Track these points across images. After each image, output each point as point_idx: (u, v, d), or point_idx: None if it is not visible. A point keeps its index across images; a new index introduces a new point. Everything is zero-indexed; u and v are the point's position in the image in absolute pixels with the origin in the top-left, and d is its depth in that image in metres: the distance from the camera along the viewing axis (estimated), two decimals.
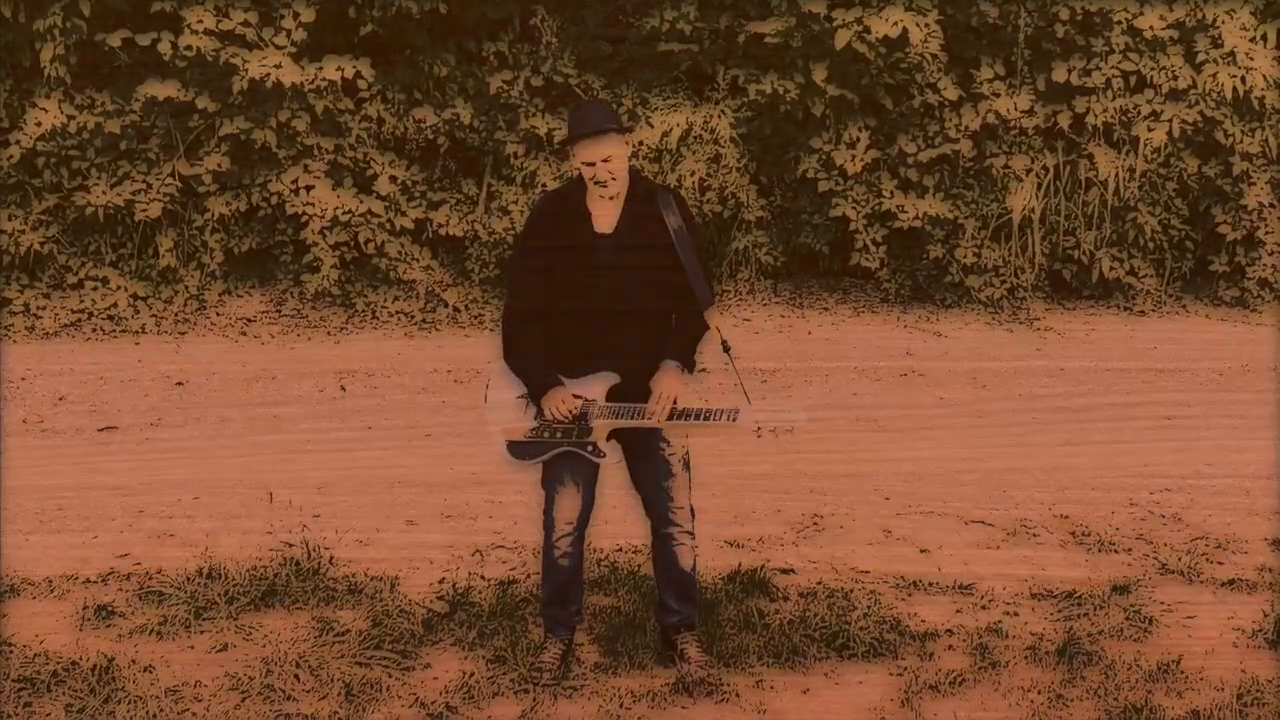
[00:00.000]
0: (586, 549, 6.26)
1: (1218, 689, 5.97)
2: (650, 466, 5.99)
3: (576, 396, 5.82)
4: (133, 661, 6.15)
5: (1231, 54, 13.34)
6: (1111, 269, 13.57)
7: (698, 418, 5.76)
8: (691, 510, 6.11)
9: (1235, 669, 6.17)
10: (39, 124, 12.65)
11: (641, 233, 5.83)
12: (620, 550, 7.47)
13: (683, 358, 5.87)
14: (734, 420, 5.74)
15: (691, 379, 5.93)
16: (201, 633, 6.51)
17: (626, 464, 6.02)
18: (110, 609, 6.74)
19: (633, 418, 5.80)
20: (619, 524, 7.35)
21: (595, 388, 5.85)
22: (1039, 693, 5.94)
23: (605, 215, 5.86)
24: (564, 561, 6.02)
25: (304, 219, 12.86)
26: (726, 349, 5.87)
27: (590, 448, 5.85)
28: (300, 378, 11.37)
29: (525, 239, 6.05)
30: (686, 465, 6.05)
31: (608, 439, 5.87)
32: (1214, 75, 13.31)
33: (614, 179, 5.78)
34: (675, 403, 5.78)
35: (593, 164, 5.76)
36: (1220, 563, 7.51)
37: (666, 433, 5.93)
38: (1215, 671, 6.15)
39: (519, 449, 5.92)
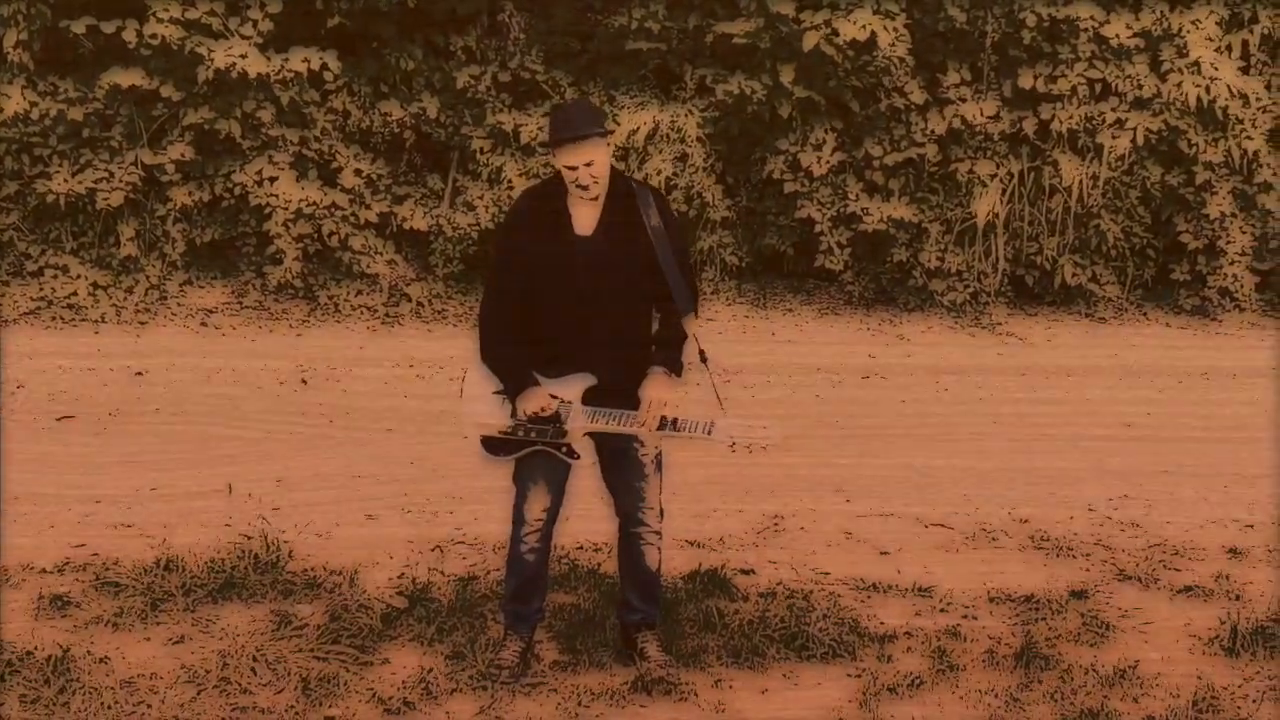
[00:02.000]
0: (553, 546, 6.24)
1: (1174, 695, 6.00)
2: (623, 466, 5.98)
3: (553, 397, 5.81)
4: (88, 652, 6.11)
5: (1196, 64, 13.42)
6: (1074, 275, 13.64)
7: (674, 428, 5.76)
8: (661, 510, 6.10)
9: (1191, 675, 6.20)
10: (1, 110, 12.55)
11: (621, 235, 5.81)
12: (581, 548, 7.46)
13: (669, 363, 5.85)
14: (709, 434, 5.74)
15: (680, 382, 5.90)
16: (158, 624, 6.47)
17: (599, 462, 6.00)
18: (66, 599, 6.70)
19: (609, 422, 5.79)
20: (580, 521, 7.33)
21: (572, 389, 5.83)
22: (996, 696, 5.96)
23: (585, 216, 5.84)
24: (530, 557, 6.01)
25: (267, 210, 12.80)
26: (704, 359, 5.87)
27: (564, 449, 5.84)
28: (261, 370, 11.32)
29: (505, 238, 6.04)
30: (659, 466, 6.04)
31: (583, 437, 5.85)
32: (1179, 84, 13.39)
33: (595, 182, 5.75)
34: (667, 410, 5.77)
35: (575, 168, 5.72)
36: (1177, 569, 7.56)
37: (641, 433, 5.93)
38: (1171, 677, 6.19)
39: (493, 445, 5.91)
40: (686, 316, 5.84)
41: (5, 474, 8.71)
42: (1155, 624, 6.82)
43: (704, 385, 6.01)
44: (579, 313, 5.78)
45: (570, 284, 5.78)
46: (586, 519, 7.23)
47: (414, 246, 13.39)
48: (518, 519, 6.01)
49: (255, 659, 6.04)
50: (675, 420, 5.76)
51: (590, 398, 5.83)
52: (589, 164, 5.72)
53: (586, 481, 6.16)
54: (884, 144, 13.52)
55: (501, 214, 12.96)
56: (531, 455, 5.90)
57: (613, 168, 5.88)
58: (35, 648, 6.08)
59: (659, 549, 6.14)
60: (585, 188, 5.75)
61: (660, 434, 5.80)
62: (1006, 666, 6.25)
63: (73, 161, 12.82)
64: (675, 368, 5.87)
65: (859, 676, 6.12)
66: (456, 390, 6.08)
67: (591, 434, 5.88)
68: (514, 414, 5.86)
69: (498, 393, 5.89)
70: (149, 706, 5.66)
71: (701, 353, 5.88)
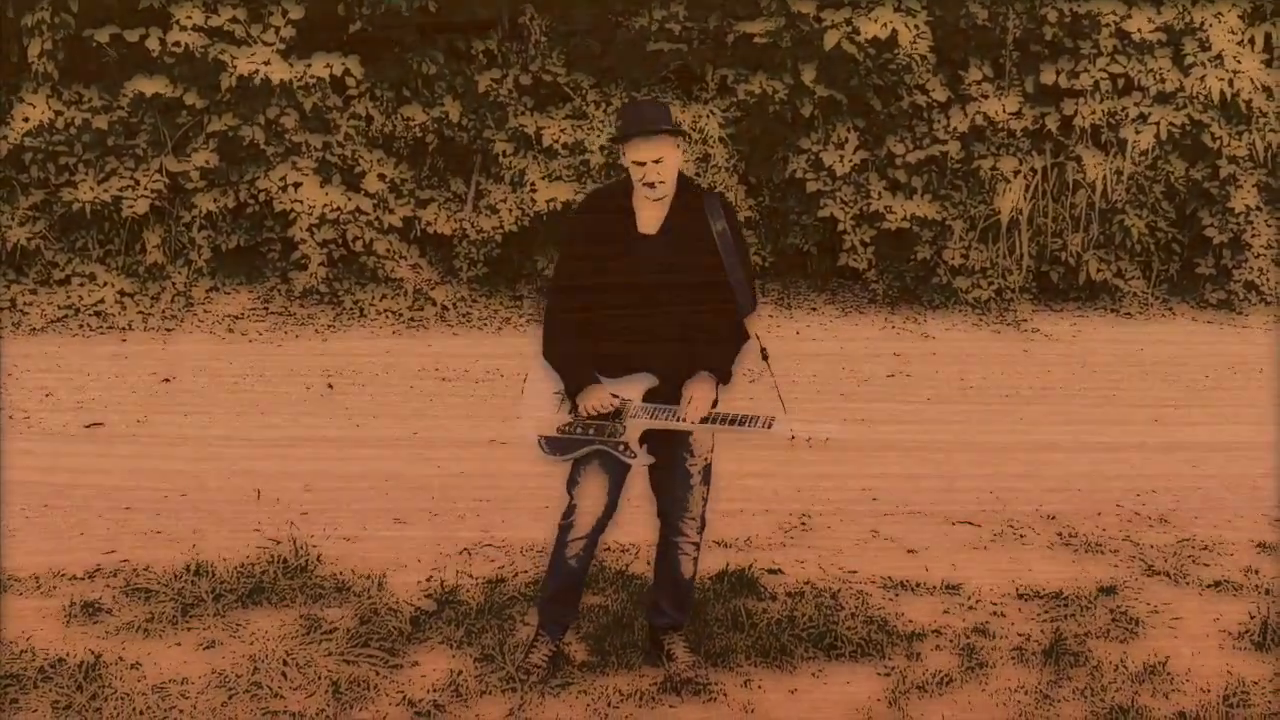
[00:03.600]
0: (596, 551, 6.24)
1: (1204, 690, 5.98)
2: (671, 475, 5.98)
3: (613, 396, 5.81)
4: (120, 658, 6.14)
5: (1219, 57, 13.37)
6: (1099, 271, 13.60)
7: (733, 423, 5.73)
8: (703, 521, 6.10)
9: (1221, 670, 6.18)
10: (26, 119, 12.62)
11: (685, 236, 5.79)
12: (609, 549, 7.47)
13: (718, 367, 5.84)
14: (769, 428, 5.71)
15: (725, 389, 5.88)
16: (189, 630, 6.49)
17: (647, 468, 6.00)
18: (97, 605, 6.73)
19: (667, 419, 5.77)
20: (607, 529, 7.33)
21: (632, 389, 5.82)
22: (1025, 693, 5.95)
23: (650, 216, 5.83)
24: (574, 563, 5.98)
25: (292, 216, 12.84)
26: (765, 356, 5.87)
27: (622, 447, 5.83)
28: (287, 375, 11.36)
29: (569, 236, 6.04)
30: (706, 478, 6.04)
31: (639, 441, 5.85)
32: (1201, 78, 13.34)
33: (663, 181, 5.73)
34: (709, 409, 5.75)
35: (643, 164, 5.71)
36: (1206, 564, 7.53)
37: (693, 442, 5.91)
38: (1201, 673, 6.17)
39: (551, 444, 5.91)
40: (747, 319, 5.82)
41: (35, 483, 8.76)
42: (1184, 619, 6.80)
43: (766, 382, 5.99)
44: (640, 312, 5.77)
45: (632, 283, 5.77)
46: (614, 521, 7.23)
47: (438, 250, 13.41)
48: (566, 525, 5.97)
49: (286, 663, 6.06)
50: (732, 416, 5.71)
51: (650, 398, 5.82)
52: (658, 160, 5.70)
53: (630, 490, 6.14)
54: (906, 142, 13.50)
55: (525, 217, 12.99)
56: (588, 457, 5.88)
57: (681, 173, 5.85)
58: (67, 654, 6.11)
59: (695, 560, 6.14)
60: (652, 186, 5.72)
61: (720, 429, 5.77)
62: (1036, 664, 6.24)
63: (98, 170, 12.88)
64: (722, 371, 5.85)
65: (888, 675, 6.12)
66: (518, 390, 6.07)
67: (646, 440, 5.87)
68: (572, 412, 5.86)
69: (558, 392, 5.90)
70: (180, 711, 5.69)
71: (763, 350, 5.87)
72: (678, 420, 5.75)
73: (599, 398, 5.78)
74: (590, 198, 6.12)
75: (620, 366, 5.83)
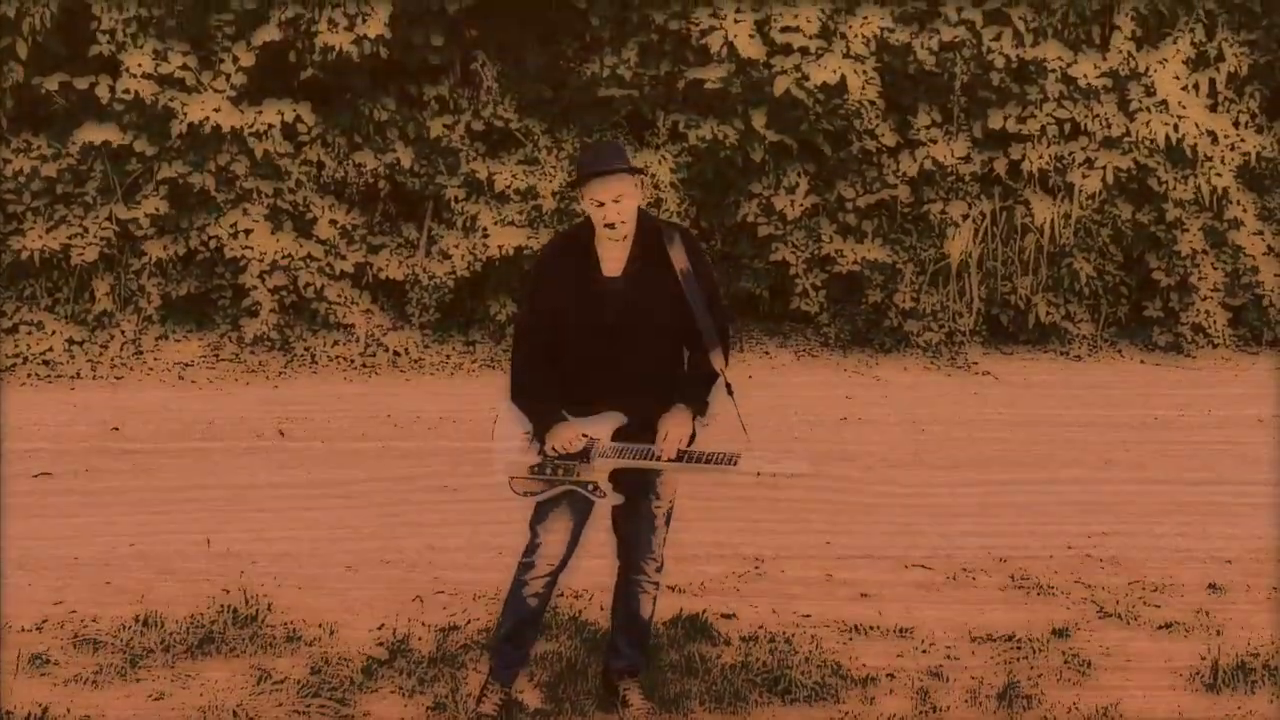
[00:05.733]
0: (554, 593, 6.23)
1: None
2: (635, 515, 6.01)
3: (583, 435, 5.81)
4: (68, 710, 6.08)
5: (1164, 102, 13.54)
6: (1048, 314, 13.70)
7: (698, 460, 5.74)
8: (661, 563, 6.12)
9: (1173, 711, 6.22)
10: None
11: (649, 276, 5.81)
12: (562, 595, 7.44)
13: (694, 401, 5.85)
14: (734, 464, 5.72)
15: (701, 421, 5.90)
16: (138, 681, 6.44)
17: (611, 508, 6.00)
18: (45, 657, 6.66)
19: (635, 458, 5.77)
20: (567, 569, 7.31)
21: (602, 427, 5.82)
22: None
23: (613, 258, 5.84)
24: (533, 602, 5.97)
25: (243, 263, 12.80)
26: (730, 391, 5.87)
27: (591, 486, 5.82)
28: (238, 423, 11.29)
29: (534, 280, 6.04)
30: (668, 519, 6.08)
31: (608, 480, 5.85)
32: (1147, 123, 13.50)
33: (623, 221, 5.75)
34: (683, 444, 5.77)
35: (603, 204, 5.72)
36: (1158, 606, 7.57)
37: (659, 484, 5.94)
38: (1154, 714, 6.20)
39: (521, 485, 5.90)
40: (714, 355, 5.84)
41: None
42: (1136, 661, 6.83)
43: (728, 419, 5.98)
44: (608, 353, 5.79)
45: (599, 325, 5.79)
46: (571, 566, 7.21)
47: (390, 296, 13.40)
48: (526, 565, 5.97)
49: (236, 714, 6.01)
50: (697, 454, 5.73)
51: (620, 437, 5.83)
52: (617, 200, 5.72)
53: (589, 532, 6.12)
54: (856, 186, 13.59)
55: (477, 262, 12.99)
56: (555, 499, 5.88)
57: (640, 209, 5.88)
58: (15, 707, 6.04)
59: (654, 599, 6.16)
60: (613, 226, 5.74)
61: (687, 467, 5.77)
62: (989, 707, 6.25)
63: (47, 218, 12.82)
64: (697, 405, 5.86)
65: (842, 719, 6.11)
66: (488, 433, 6.06)
67: (611, 478, 5.86)
68: (540, 452, 5.86)
69: (528, 433, 5.89)
70: None
71: (728, 386, 5.88)
72: (649, 457, 5.76)
73: (568, 436, 5.78)
74: (553, 242, 6.16)
75: (589, 407, 5.84)
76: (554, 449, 5.80)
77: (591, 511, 5.94)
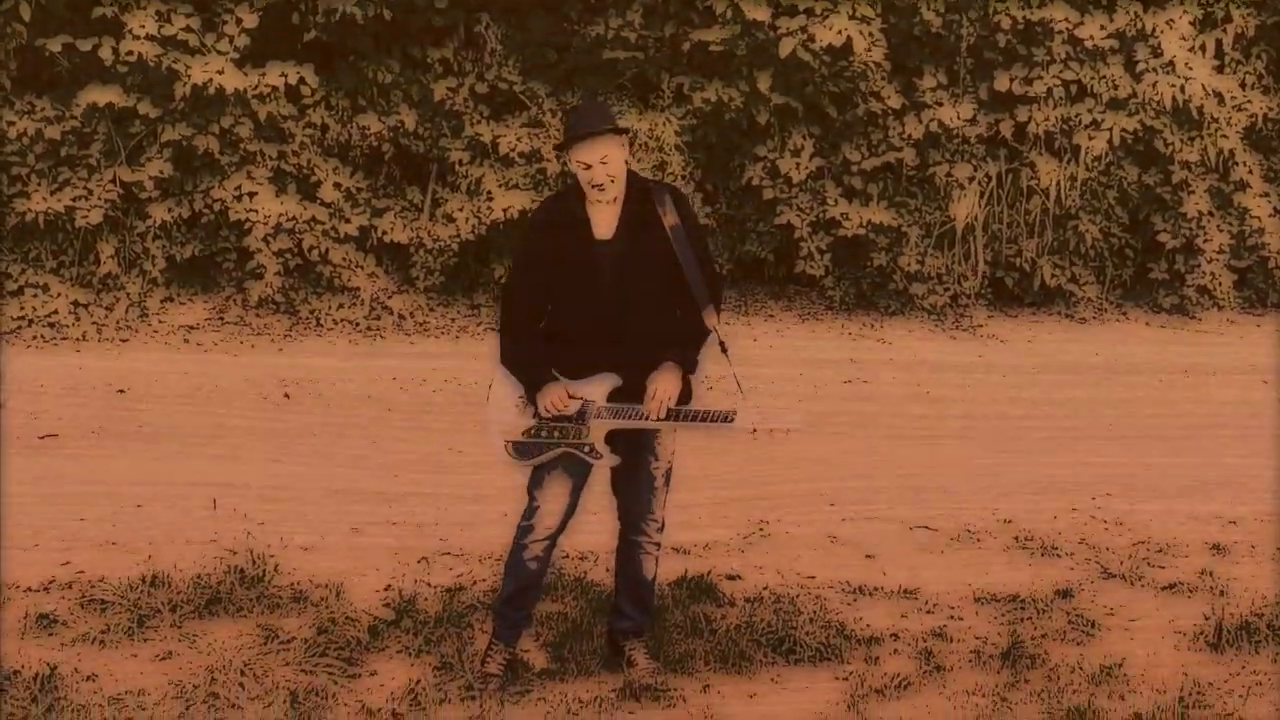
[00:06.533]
0: (555, 555, 6.24)
1: (1159, 691, 6.03)
2: (635, 476, 6.01)
3: (575, 397, 5.81)
4: (75, 670, 6.10)
5: (1170, 63, 13.49)
6: (1053, 277, 13.69)
7: (694, 418, 5.75)
8: (662, 524, 6.13)
9: (1177, 671, 6.23)
10: None
11: (640, 237, 5.81)
12: (567, 556, 7.46)
13: (682, 358, 5.85)
14: (731, 421, 5.73)
15: (697, 379, 5.90)
16: (145, 641, 6.46)
17: (610, 470, 6.00)
18: (52, 617, 6.68)
19: (630, 418, 5.78)
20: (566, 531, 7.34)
21: (597, 389, 5.83)
22: (983, 696, 5.98)
23: (604, 220, 5.84)
24: (533, 565, 5.99)
25: (247, 226, 12.79)
26: (724, 349, 5.88)
27: (587, 449, 5.83)
28: (243, 385, 11.31)
29: (524, 244, 6.05)
30: (668, 480, 6.08)
31: (605, 441, 5.85)
32: (1154, 84, 13.45)
33: (612, 181, 5.74)
34: (672, 402, 5.77)
35: (590, 165, 5.72)
36: (1161, 566, 7.59)
37: (657, 444, 5.95)
38: (1157, 674, 6.21)
39: (517, 449, 5.91)
40: (707, 312, 5.84)
41: None
42: (1140, 621, 6.85)
43: (725, 376, 5.98)
44: (603, 315, 5.79)
45: (593, 288, 5.79)
46: (572, 529, 7.22)
47: (394, 259, 13.38)
48: (526, 527, 5.98)
49: (243, 673, 6.03)
50: (693, 411, 5.74)
51: (616, 398, 5.83)
52: (604, 160, 5.71)
53: (589, 492, 6.13)
54: (862, 149, 13.56)
55: (481, 225, 12.97)
56: (552, 462, 5.89)
57: (630, 170, 5.88)
58: (22, 666, 6.06)
59: (656, 559, 6.18)
60: (601, 187, 5.74)
61: (683, 425, 5.79)
62: (993, 667, 6.27)
63: (51, 180, 12.80)
64: (687, 363, 5.86)
65: (846, 679, 6.14)
66: (483, 398, 6.05)
67: (608, 439, 5.87)
68: (535, 415, 5.86)
69: (522, 397, 5.90)
70: None
71: (722, 344, 5.87)
72: (642, 417, 5.76)
73: (557, 395, 5.79)
74: (543, 206, 6.13)
75: (584, 369, 5.85)
76: (547, 409, 5.80)
77: (590, 474, 5.95)
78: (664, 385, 5.77)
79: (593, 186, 5.76)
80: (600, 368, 5.84)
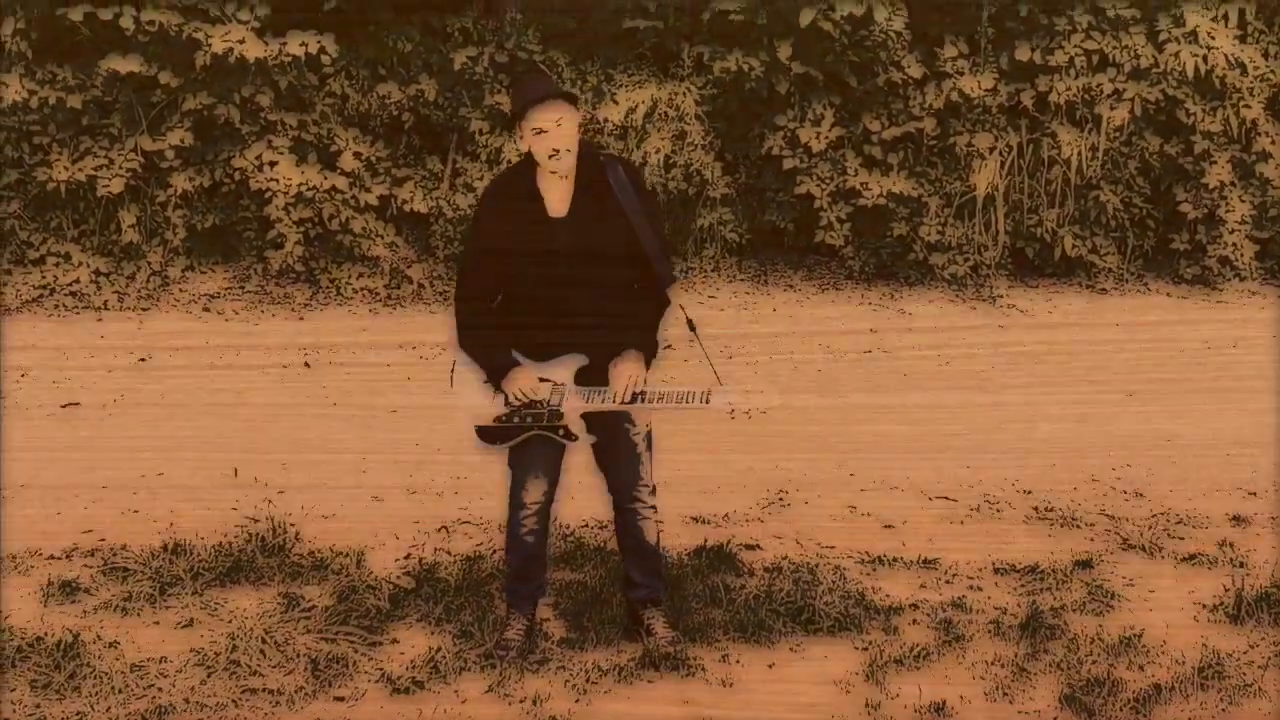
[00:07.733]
0: (552, 524, 6.25)
1: (1178, 662, 6.02)
2: (616, 449, 5.97)
3: (544, 380, 5.80)
4: (98, 637, 6.13)
5: (1193, 33, 13.41)
6: (1074, 247, 13.64)
7: (670, 400, 5.75)
8: (653, 485, 6.11)
9: (1196, 642, 6.22)
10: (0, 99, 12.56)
11: (595, 212, 5.74)
12: (586, 525, 7.48)
13: (642, 344, 5.80)
14: (707, 402, 5.72)
15: (656, 360, 5.87)
16: (167, 608, 6.49)
17: (591, 446, 5.99)
18: (75, 585, 6.72)
19: (603, 400, 5.76)
20: (585, 499, 7.32)
21: (563, 370, 5.80)
22: (1002, 666, 5.99)
23: (558, 197, 5.77)
24: (530, 539, 6.01)
25: (268, 195, 12.80)
26: (692, 328, 5.85)
27: (561, 431, 5.83)
28: (264, 354, 11.34)
29: (476, 224, 5.95)
30: (650, 443, 6.04)
31: (579, 420, 5.84)
32: (1176, 54, 13.38)
33: (569, 149, 5.66)
34: (640, 385, 5.74)
35: (544, 130, 5.63)
36: (1181, 538, 7.57)
37: (632, 413, 5.92)
38: (1176, 645, 6.21)
39: (489, 434, 5.89)
40: (667, 286, 5.80)
41: (11, 462, 8.74)
42: (1160, 592, 6.84)
43: (698, 355, 5.99)
44: (561, 294, 5.73)
45: (550, 267, 5.72)
46: (590, 497, 7.23)
47: (415, 229, 13.39)
48: (515, 503, 5.99)
49: (264, 641, 6.06)
50: (669, 393, 5.72)
51: (582, 378, 5.80)
52: (559, 123, 5.63)
53: (587, 458, 6.14)
54: (882, 118, 13.51)
55: None
56: (527, 440, 5.87)
57: (582, 140, 5.79)
58: (45, 633, 6.10)
59: (656, 523, 6.13)
60: (556, 154, 5.65)
61: (658, 408, 5.79)
62: (1012, 637, 6.27)
63: (72, 149, 12.82)
64: (646, 346, 5.81)
65: (865, 649, 6.15)
66: (447, 381, 6.03)
67: (584, 417, 5.85)
68: (505, 400, 5.84)
69: (487, 384, 5.87)
70: (159, 690, 5.69)
71: (690, 322, 5.84)
72: (608, 401, 5.75)
73: (526, 380, 5.76)
74: (494, 185, 5.97)
75: (549, 350, 5.79)
76: (517, 396, 5.77)
77: (565, 447, 5.92)
78: (623, 375, 5.73)
79: (550, 155, 5.67)
80: (562, 346, 5.78)
